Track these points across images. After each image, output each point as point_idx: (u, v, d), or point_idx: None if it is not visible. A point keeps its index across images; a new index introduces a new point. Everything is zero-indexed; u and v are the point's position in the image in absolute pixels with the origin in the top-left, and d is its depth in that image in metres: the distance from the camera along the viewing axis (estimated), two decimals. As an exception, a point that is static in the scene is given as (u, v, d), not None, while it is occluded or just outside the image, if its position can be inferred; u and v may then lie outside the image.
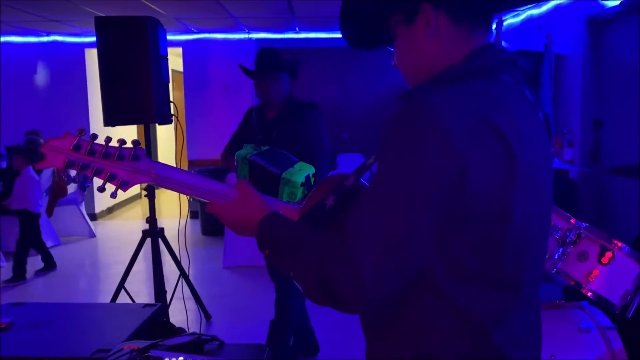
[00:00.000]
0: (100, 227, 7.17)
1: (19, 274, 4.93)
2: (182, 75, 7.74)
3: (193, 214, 7.01)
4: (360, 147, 7.50)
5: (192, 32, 7.38)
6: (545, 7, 5.11)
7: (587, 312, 2.16)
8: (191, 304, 3.88)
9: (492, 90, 0.88)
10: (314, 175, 2.53)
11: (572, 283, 2.00)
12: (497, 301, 0.88)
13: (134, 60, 3.13)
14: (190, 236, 6.47)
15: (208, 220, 6.54)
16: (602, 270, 1.96)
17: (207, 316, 4.00)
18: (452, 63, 0.94)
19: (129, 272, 3.61)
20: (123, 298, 3.58)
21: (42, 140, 5.80)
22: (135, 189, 8.91)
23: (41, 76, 7.43)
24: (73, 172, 1.08)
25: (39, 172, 5.59)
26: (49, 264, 5.27)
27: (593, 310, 2.17)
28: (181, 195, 1.20)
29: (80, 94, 7.42)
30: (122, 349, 1.47)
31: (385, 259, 0.83)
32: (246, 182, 1.13)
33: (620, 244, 1.97)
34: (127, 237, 6.51)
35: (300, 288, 0.95)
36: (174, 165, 1.19)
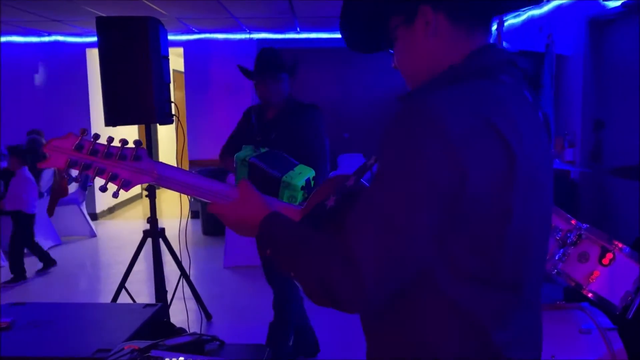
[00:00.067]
0: (101, 227, 7.18)
1: (18, 274, 4.93)
2: (183, 75, 7.75)
3: (194, 214, 7.02)
4: (361, 147, 7.50)
5: (193, 32, 7.39)
6: (546, 8, 5.11)
7: (588, 313, 2.16)
8: (192, 304, 3.88)
9: (492, 91, 0.88)
10: (314, 178, 2.51)
11: (573, 284, 2.00)
12: (497, 301, 0.88)
13: (135, 60, 3.13)
14: (191, 236, 6.48)
15: (209, 220, 6.54)
16: (602, 271, 1.96)
17: (208, 316, 4.00)
18: (451, 64, 0.94)
19: (130, 272, 3.61)
20: (124, 298, 3.58)
21: (44, 140, 5.81)
22: (136, 189, 8.91)
23: (42, 76, 7.44)
24: (75, 172, 1.08)
25: (40, 172, 5.60)
26: (48, 262, 5.25)
27: (594, 311, 2.17)
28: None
29: (82, 94, 7.43)
30: (122, 349, 1.48)
31: (385, 259, 0.83)
32: (247, 182, 1.13)
33: (620, 245, 1.97)
34: (127, 237, 6.52)
35: (300, 288, 0.95)
36: (175, 165, 1.19)
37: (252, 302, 4.27)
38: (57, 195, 6.09)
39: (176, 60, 8.18)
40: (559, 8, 4.95)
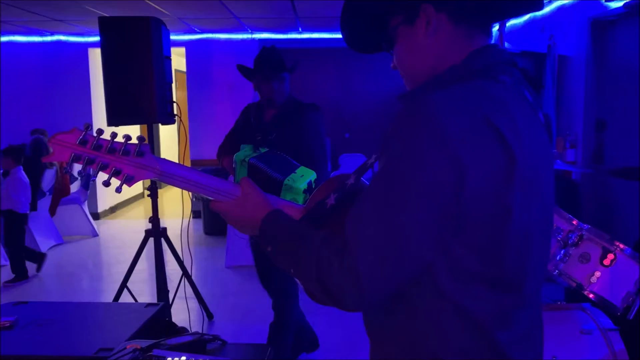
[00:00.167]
0: (103, 227, 7.19)
1: (19, 274, 4.93)
2: (185, 75, 7.75)
3: (195, 214, 7.03)
4: (362, 147, 7.51)
5: (195, 32, 7.40)
6: (548, 8, 5.10)
7: (589, 313, 2.16)
8: (193, 303, 3.89)
9: (491, 91, 0.88)
10: (315, 180, 2.49)
11: (574, 284, 2.00)
12: (499, 302, 0.88)
13: (138, 60, 3.14)
14: (192, 236, 6.48)
15: (210, 220, 6.55)
16: (604, 272, 1.96)
17: (209, 316, 4.00)
18: (452, 64, 0.94)
19: (132, 271, 3.62)
20: (125, 297, 3.59)
21: (46, 140, 5.82)
22: (137, 189, 8.93)
23: (45, 76, 7.45)
24: (78, 167, 1.08)
25: (42, 171, 5.62)
26: (38, 260, 5.12)
27: (595, 312, 2.17)
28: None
29: (84, 94, 7.44)
30: (125, 348, 1.48)
31: (384, 259, 0.83)
32: (249, 179, 1.14)
33: (622, 246, 1.97)
34: (129, 236, 6.53)
35: (300, 286, 0.95)
36: (177, 164, 1.20)
37: (253, 301, 4.27)
38: (59, 194, 6.10)
39: (178, 60, 8.18)
40: (560, 9, 4.95)
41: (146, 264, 4.92)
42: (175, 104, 3.41)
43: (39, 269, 5.13)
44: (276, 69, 2.77)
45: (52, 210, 6.09)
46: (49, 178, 5.78)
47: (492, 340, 0.87)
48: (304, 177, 2.42)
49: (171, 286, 3.65)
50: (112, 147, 1.07)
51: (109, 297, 4.18)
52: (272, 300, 3.02)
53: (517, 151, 0.83)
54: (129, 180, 1.08)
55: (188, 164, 7.37)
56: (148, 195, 3.44)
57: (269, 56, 2.81)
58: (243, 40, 7.45)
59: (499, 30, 3.65)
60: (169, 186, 10.20)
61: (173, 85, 3.47)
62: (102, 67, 3.20)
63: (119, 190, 1.08)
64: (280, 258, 1.00)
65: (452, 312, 0.87)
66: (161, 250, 3.52)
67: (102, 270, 5.54)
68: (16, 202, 4.92)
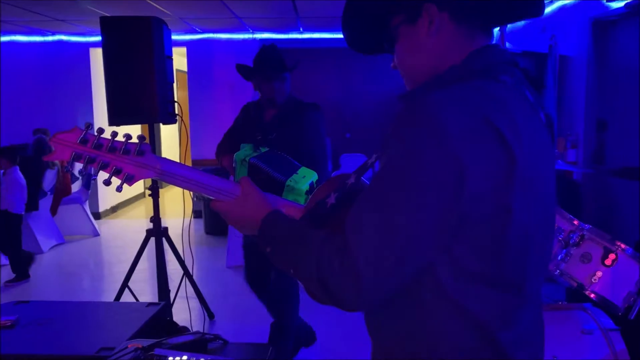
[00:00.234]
0: (104, 226, 7.19)
1: (20, 273, 4.93)
2: (186, 75, 7.76)
3: (196, 214, 7.03)
4: (363, 147, 7.51)
5: (197, 32, 7.40)
6: (549, 8, 5.10)
7: (590, 313, 2.16)
8: (194, 303, 3.89)
9: (492, 90, 0.88)
10: (317, 181, 2.47)
11: (575, 284, 2.00)
12: (501, 301, 0.88)
13: (139, 60, 3.14)
14: (193, 235, 6.49)
15: (211, 220, 6.55)
16: (605, 272, 1.96)
17: (210, 315, 4.01)
18: (452, 64, 0.94)
19: (133, 271, 3.62)
20: (127, 297, 3.59)
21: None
22: (138, 188, 8.94)
23: (46, 75, 7.45)
24: (79, 167, 1.09)
25: (43, 171, 5.62)
26: (22, 274, 5.01)
27: (596, 312, 2.17)
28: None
29: (85, 94, 7.45)
30: (126, 347, 1.48)
31: (383, 258, 0.83)
32: (248, 179, 1.14)
33: (623, 246, 1.97)
34: (130, 236, 6.53)
35: (301, 286, 0.95)
36: (178, 164, 1.20)
37: (254, 301, 4.23)
38: (60, 194, 6.11)
39: (179, 59, 8.18)
40: (562, 9, 4.95)
41: (147, 264, 4.93)
42: (176, 104, 3.41)
43: (13, 282, 4.98)
44: (278, 69, 2.74)
45: (54, 210, 6.09)
46: (50, 178, 5.78)
47: (494, 340, 0.87)
48: (305, 177, 2.40)
49: (172, 286, 3.65)
50: (112, 146, 1.07)
51: (110, 297, 4.19)
52: (264, 303, 3.02)
53: (517, 151, 0.83)
54: (130, 179, 1.09)
55: (189, 163, 7.37)
56: (149, 195, 3.44)
57: (270, 55, 2.78)
58: (244, 40, 7.46)
59: (500, 30, 3.65)
60: (170, 186, 10.20)
61: (174, 84, 3.47)
62: (104, 66, 3.21)
63: (119, 189, 1.08)
64: (280, 258, 1.00)
65: (453, 311, 0.87)
66: (162, 249, 3.53)
67: (103, 269, 5.55)
68: (11, 203, 4.88)
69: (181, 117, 3.42)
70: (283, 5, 5.53)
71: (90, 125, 1.08)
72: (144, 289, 4.53)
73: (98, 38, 3.28)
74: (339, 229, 0.90)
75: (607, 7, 4.10)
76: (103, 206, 7.77)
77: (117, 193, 8.42)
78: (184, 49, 7.59)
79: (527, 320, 0.92)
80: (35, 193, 5.56)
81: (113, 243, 6.40)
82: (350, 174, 1.06)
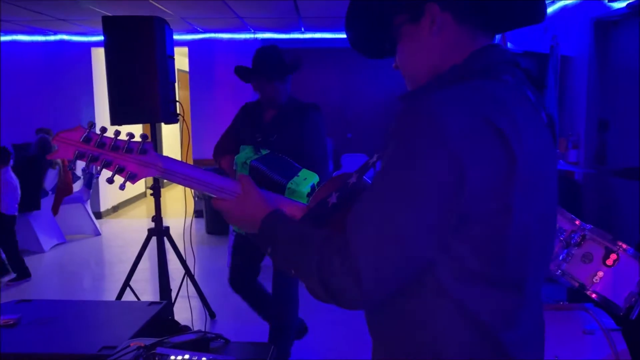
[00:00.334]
0: (106, 226, 7.20)
1: (21, 273, 4.93)
2: (188, 74, 7.77)
3: (198, 213, 7.04)
4: (364, 147, 7.52)
5: (198, 32, 7.41)
6: (551, 9, 5.10)
7: (591, 313, 2.16)
8: (196, 302, 3.89)
9: (492, 90, 0.88)
10: (318, 183, 2.46)
11: (577, 284, 2.00)
12: (502, 301, 0.88)
13: (141, 59, 3.15)
14: (194, 235, 6.49)
15: (212, 219, 6.56)
16: (606, 272, 1.96)
17: (212, 314, 4.01)
18: (454, 64, 0.95)
19: (135, 270, 3.63)
20: (128, 296, 3.60)
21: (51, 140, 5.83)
22: (140, 188, 8.94)
23: (48, 75, 7.46)
24: (82, 165, 1.09)
25: (45, 170, 5.63)
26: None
27: (597, 312, 2.17)
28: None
29: (87, 93, 7.46)
30: (128, 346, 1.49)
31: (384, 258, 0.83)
32: (249, 178, 1.14)
33: (624, 246, 1.97)
34: (132, 235, 6.54)
35: (304, 285, 0.95)
36: (180, 163, 1.20)
37: (255, 301, 4.27)
38: (62, 193, 6.11)
39: (181, 59, 8.20)
40: (563, 9, 4.95)
41: (148, 263, 4.93)
42: (178, 104, 3.42)
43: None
44: (280, 70, 2.71)
45: (55, 209, 6.10)
46: (51, 177, 5.79)
47: (496, 340, 0.87)
48: (307, 180, 2.39)
49: (173, 285, 3.66)
50: (115, 144, 1.07)
51: (111, 296, 4.20)
52: (248, 303, 3.00)
53: (518, 151, 0.83)
54: (132, 178, 1.09)
55: (190, 163, 7.37)
56: (151, 194, 3.44)
57: (272, 56, 2.75)
58: (246, 40, 7.46)
59: (501, 30, 3.65)
60: (171, 185, 10.21)
61: (175, 84, 3.47)
62: (106, 66, 3.21)
63: (122, 187, 1.08)
64: (280, 258, 1.00)
65: (454, 311, 0.87)
66: (164, 249, 3.53)
67: (105, 269, 5.55)
68: (4, 204, 4.84)
69: (183, 117, 3.43)
70: (284, 5, 5.53)
71: (93, 124, 1.08)
72: (145, 288, 4.54)
73: (100, 38, 3.29)
74: (340, 228, 0.91)
75: (608, 8, 4.10)
76: (104, 205, 7.78)
77: (119, 193, 8.42)
78: (185, 49, 7.59)
79: (528, 320, 0.92)
80: (37, 192, 5.57)
81: (114, 242, 6.41)
82: (352, 174, 1.06)
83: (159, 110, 3.18)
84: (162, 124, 3.50)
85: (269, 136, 2.75)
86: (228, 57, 7.40)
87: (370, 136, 7.54)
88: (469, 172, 0.80)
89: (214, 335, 1.62)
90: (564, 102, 4.91)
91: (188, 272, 3.74)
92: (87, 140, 1.07)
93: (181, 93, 8.48)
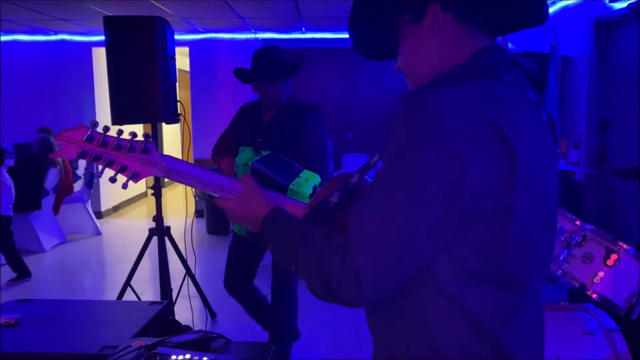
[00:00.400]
0: (106, 225, 7.20)
1: (21, 272, 4.92)
2: (189, 74, 7.77)
3: (199, 213, 7.04)
4: (365, 147, 7.52)
5: (199, 32, 7.41)
6: (552, 9, 5.10)
7: (592, 314, 2.16)
8: (196, 302, 3.90)
9: (493, 90, 0.88)
10: (320, 184, 2.45)
11: (577, 285, 2.00)
12: (503, 301, 0.88)
13: (142, 59, 3.15)
14: (195, 235, 6.49)
15: (213, 219, 6.56)
16: (607, 272, 1.97)
17: (212, 314, 4.01)
18: (455, 64, 0.95)
19: (135, 269, 3.63)
20: (129, 296, 3.60)
21: (53, 140, 5.83)
22: (140, 188, 8.95)
23: (49, 75, 7.47)
24: (84, 164, 1.10)
25: (46, 170, 5.63)
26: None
27: (598, 312, 2.17)
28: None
29: (88, 93, 7.46)
30: (130, 346, 1.49)
31: (384, 257, 0.84)
32: (250, 177, 1.15)
33: (625, 246, 1.97)
34: (132, 235, 6.54)
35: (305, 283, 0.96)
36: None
37: (256, 301, 4.27)
38: (63, 193, 6.11)
39: (181, 59, 8.20)
40: (564, 9, 4.95)
41: (149, 263, 4.93)
42: (179, 103, 3.42)
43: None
44: (281, 71, 2.70)
45: (56, 209, 6.10)
46: (52, 177, 5.79)
47: (496, 340, 0.88)
48: (308, 181, 2.38)
49: (174, 285, 3.66)
50: (118, 143, 1.08)
51: (112, 296, 4.20)
52: (242, 305, 2.99)
53: (519, 150, 0.83)
54: (135, 177, 1.10)
55: (191, 162, 7.37)
56: (152, 194, 3.45)
57: (272, 57, 2.74)
58: (246, 40, 7.47)
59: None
60: (172, 185, 10.22)
61: (176, 84, 3.48)
62: (107, 66, 3.21)
63: (125, 186, 1.09)
64: (281, 256, 1.01)
65: (454, 311, 0.87)
66: (165, 249, 3.53)
67: (105, 269, 5.55)
68: None
69: (184, 117, 3.43)
70: (285, 5, 5.53)
71: (96, 123, 1.09)
72: (146, 288, 4.54)
73: (100, 37, 3.30)
74: (341, 227, 0.91)
75: (609, 8, 4.10)
76: (105, 205, 7.78)
77: (119, 193, 8.42)
78: (186, 49, 7.60)
79: (528, 320, 0.92)
80: (37, 192, 5.57)
81: (115, 242, 6.41)
82: (354, 173, 1.07)
83: (160, 110, 3.18)
84: (163, 124, 3.50)
85: (269, 137, 2.73)
86: (229, 57, 7.40)
87: (370, 136, 7.54)
88: (469, 172, 0.80)
89: (215, 335, 1.63)
90: (564, 103, 4.91)
91: (189, 272, 3.74)
92: (90, 139, 1.08)
93: (182, 93, 8.48)
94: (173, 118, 3.35)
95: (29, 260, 5.19)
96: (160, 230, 3.50)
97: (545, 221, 0.93)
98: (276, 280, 2.85)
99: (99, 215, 7.48)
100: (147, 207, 8.61)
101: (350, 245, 0.85)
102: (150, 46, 3.15)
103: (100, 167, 1.09)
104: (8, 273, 4.98)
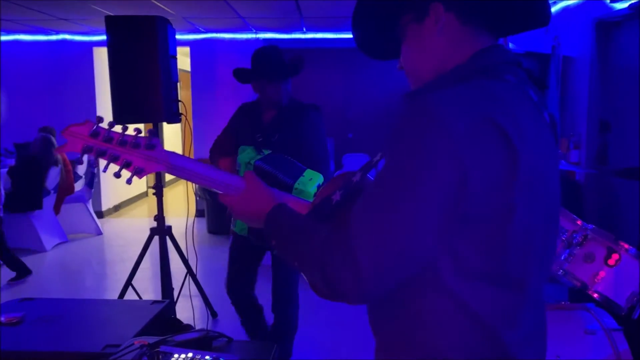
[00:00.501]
0: (107, 225, 7.21)
1: (20, 271, 4.90)
2: (190, 74, 7.78)
3: (199, 213, 7.05)
4: (366, 147, 7.52)
5: (200, 32, 7.42)
6: (553, 9, 5.10)
7: (593, 313, 2.16)
8: (198, 301, 3.90)
9: (495, 90, 0.89)
10: (322, 184, 2.45)
11: (578, 284, 2.00)
12: (505, 300, 0.89)
13: (144, 59, 3.15)
14: (196, 234, 6.48)
15: (214, 219, 6.56)
16: (608, 272, 1.97)
17: (214, 314, 4.01)
18: (457, 63, 0.95)
19: (137, 269, 3.63)
20: (130, 295, 3.60)
21: (54, 139, 5.83)
22: (141, 187, 8.95)
23: (50, 74, 7.47)
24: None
25: (47, 169, 5.63)
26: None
27: (599, 312, 2.17)
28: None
29: (89, 93, 7.47)
30: (132, 344, 1.49)
31: (384, 255, 0.84)
32: (253, 174, 1.16)
33: (626, 246, 1.97)
34: (133, 234, 6.55)
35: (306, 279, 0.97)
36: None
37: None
38: (64, 193, 6.12)
39: (182, 59, 8.20)
40: (565, 9, 4.95)
41: (149, 262, 4.94)
42: (180, 103, 3.42)
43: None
44: (281, 71, 2.69)
45: (57, 209, 6.11)
46: (53, 176, 5.80)
47: (497, 339, 0.88)
48: (312, 180, 2.37)
49: (175, 284, 3.66)
50: (123, 139, 1.09)
51: (113, 295, 4.20)
52: (240, 314, 2.97)
53: (520, 150, 0.83)
54: (139, 172, 1.11)
55: (192, 162, 7.36)
56: (153, 194, 3.45)
57: (273, 57, 2.73)
58: (247, 40, 7.47)
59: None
60: (173, 185, 10.22)
61: (178, 84, 3.48)
62: (109, 65, 3.22)
63: (129, 181, 1.10)
64: (284, 251, 1.02)
65: (456, 310, 0.87)
66: (166, 248, 3.54)
67: (106, 268, 5.56)
68: None
69: (185, 117, 3.43)
70: (286, 5, 5.54)
71: (101, 119, 1.10)
72: (147, 288, 4.54)
73: (102, 37, 3.30)
74: (343, 225, 0.92)
75: (610, 8, 4.10)
76: (106, 205, 7.79)
77: (120, 192, 8.41)
78: (187, 49, 7.60)
79: (530, 319, 0.93)
80: (38, 191, 5.57)
81: (116, 242, 6.42)
82: (356, 172, 1.07)
83: (162, 109, 3.19)
84: (164, 124, 3.50)
85: (269, 136, 2.72)
86: (230, 57, 7.41)
87: (371, 136, 7.54)
88: (471, 172, 0.80)
89: (216, 334, 1.63)
90: (565, 103, 4.92)
91: (190, 272, 3.74)
92: (95, 134, 1.09)
93: (183, 93, 8.49)
94: (174, 118, 3.36)
95: (30, 260, 5.19)
96: (161, 230, 3.50)
97: (546, 221, 0.93)
98: (277, 279, 2.85)
99: (100, 214, 7.49)
100: (147, 207, 8.62)
101: (351, 240, 0.85)
102: (152, 46, 3.15)
103: (104, 162, 1.10)
104: (8, 273, 4.99)
